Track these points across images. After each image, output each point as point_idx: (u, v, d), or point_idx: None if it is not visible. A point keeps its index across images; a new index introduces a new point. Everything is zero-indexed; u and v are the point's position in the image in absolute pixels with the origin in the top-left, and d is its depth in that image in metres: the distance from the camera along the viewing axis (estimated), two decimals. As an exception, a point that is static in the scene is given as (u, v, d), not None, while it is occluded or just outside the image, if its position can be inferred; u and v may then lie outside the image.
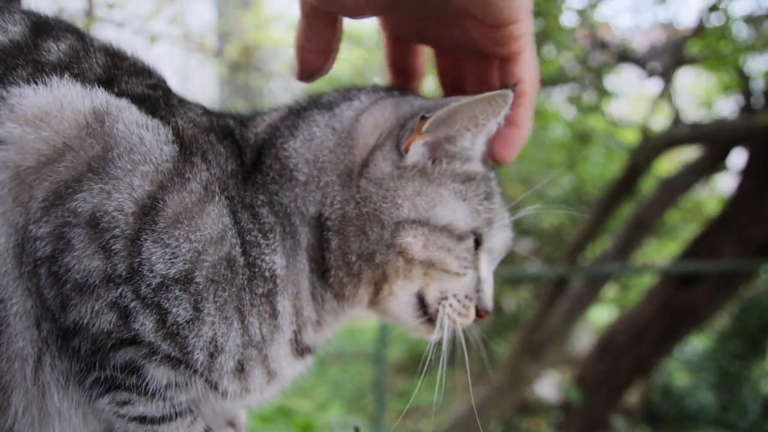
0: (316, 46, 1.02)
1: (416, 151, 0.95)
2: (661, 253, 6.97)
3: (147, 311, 0.82)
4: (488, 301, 1.03)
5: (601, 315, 7.23)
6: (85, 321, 0.81)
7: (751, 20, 4.05)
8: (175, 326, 0.83)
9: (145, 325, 0.82)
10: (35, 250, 0.79)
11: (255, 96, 7.04)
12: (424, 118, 0.92)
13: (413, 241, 0.94)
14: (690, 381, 6.01)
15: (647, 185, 5.24)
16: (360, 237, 0.94)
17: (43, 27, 0.90)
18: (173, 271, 0.82)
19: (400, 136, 0.96)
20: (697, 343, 6.25)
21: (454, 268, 0.97)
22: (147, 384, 0.87)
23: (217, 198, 0.88)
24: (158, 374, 0.86)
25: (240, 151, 0.97)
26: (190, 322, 0.84)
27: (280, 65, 6.78)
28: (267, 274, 0.91)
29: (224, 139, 0.96)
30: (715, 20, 4.06)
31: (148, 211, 0.81)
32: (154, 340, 0.83)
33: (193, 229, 0.84)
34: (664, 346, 5.00)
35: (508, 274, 6.40)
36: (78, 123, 0.81)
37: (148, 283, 0.81)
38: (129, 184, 0.80)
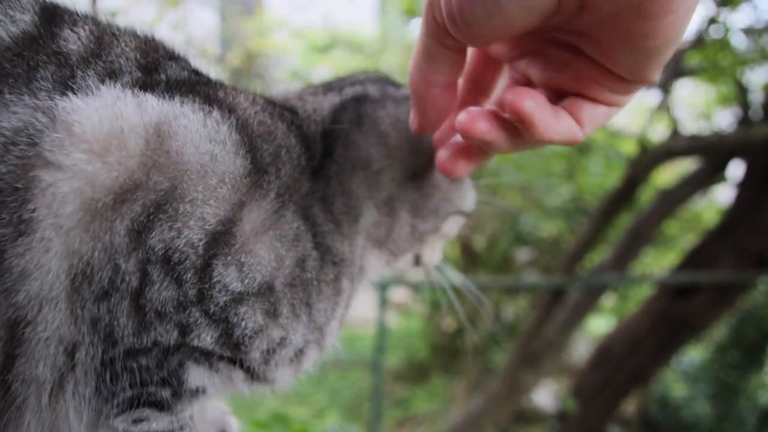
0: (445, 80, 0.83)
1: None
2: (659, 263, 6.99)
3: (212, 327, 0.82)
4: None
5: (599, 324, 7.23)
6: (161, 340, 0.81)
7: (751, 32, 4.08)
8: (241, 337, 0.84)
9: (206, 339, 0.82)
10: (122, 283, 0.77)
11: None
12: None
13: (452, 225, 1.12)
14: (687, 392, 6.01)
15: (645, 196, 5.26)
16: (419, 222, 1.07)
17: (54, 12, 0.80)
18: (251, 286, 0.82)
19: None
20: (694, 354, 6.26)
21: (452, 236, 1.16)
22: (179, 392, 0.87)
23: (292, 200, 0.87)
24: (196, 377, 0.87)
25: (307, 141, 0.95)
26: (259, 332, 0.85)
27: (282, 72, 6.81)
28: (337, 259, 0.93)
29: (291, 129, 0.93)
30: (714, 32, 4.09)
31: (220, 237, 0.79)
32: (213, 349, 0.83)
33: (272, 238, 0.83)
34: (662, 356, 5.00)
35: (506, 284, 6.42)
36: (140, 150, 0.76)
37: (216, 302, 0.80)
38: (200, 217, 0.78)
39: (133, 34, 0.87)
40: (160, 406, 0.88)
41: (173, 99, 0.81)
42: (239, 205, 0.81)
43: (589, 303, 4.62)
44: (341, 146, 0.97)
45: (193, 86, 0.85)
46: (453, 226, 1.13)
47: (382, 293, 4.20)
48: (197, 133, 0.79)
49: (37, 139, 0.73)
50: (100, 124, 0.75)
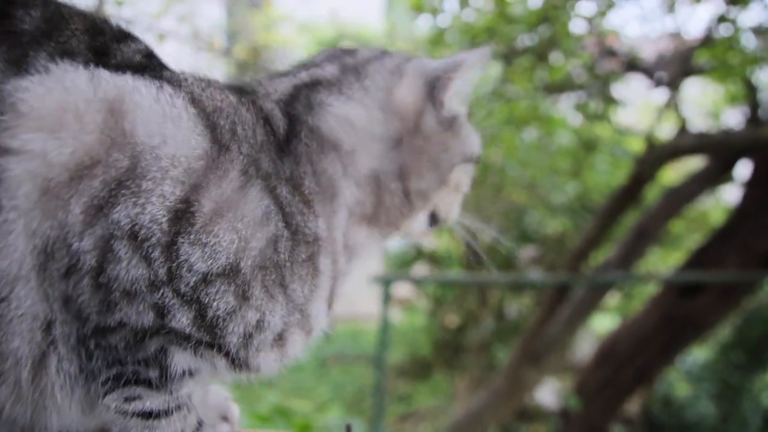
0: None
1: (449, 103, 1.05)
2: (664, 262, 6.96)
3: (185, 308, 0.82)
4: None
5: (603, 323, 7.21)
6: (130, 320, 0.81)
7: (760, 32, 4.04)
8: (214, 319, 0.84)
9: (182, 321, 0.83)
10: (78, 263, 0.78)
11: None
12: (449, 77, 1.03)
13: (459, 175, 1.08)
14: (691, 391, 5.98)
15: (652, 194, 5.24)
16: (419, 180, 1.04)
17: None
18: (215, 267, 0.82)
19: (434, 95, 1.04)
20: (698, 354, 6.23)
21: (466, 188, 1.12)
22: (166, 374, 0.87)
23: (254, 179, 0.87)
24: (181, 360, 0.87)
25: (265, 119, 0.96)
26: (232, 313, 0.85)
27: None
28: (310, 239, 0.93)
29: (245, 104, 0.94)
30: (723, 31, 4.06)
31: (182, 215, 0.80)
32: (190, 332, 0.84)
33: (236, 218, 0.84)
34: (666, 355, 4.99)
35: (511, 281, 6.41)
36: (98, 126, 0.77)
37: (186, 282, 0.81)
38: (161, 194, 0.79)
39: (81, 14, 0.87)
40: (150, 384, 0.87)
41: (125, 74, 0.81)
42: (196, 185, 0.81)
43: (593, 301, 4.61)
44: (306, 128, 0.98)
45: (146, 69, 0.86)
46: (462, 176, 1.09)
47: (386, 289, 4.19)
48: (152, 110, 0.80)
49: None
50: (50, 99, 0.75)
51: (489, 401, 4.63)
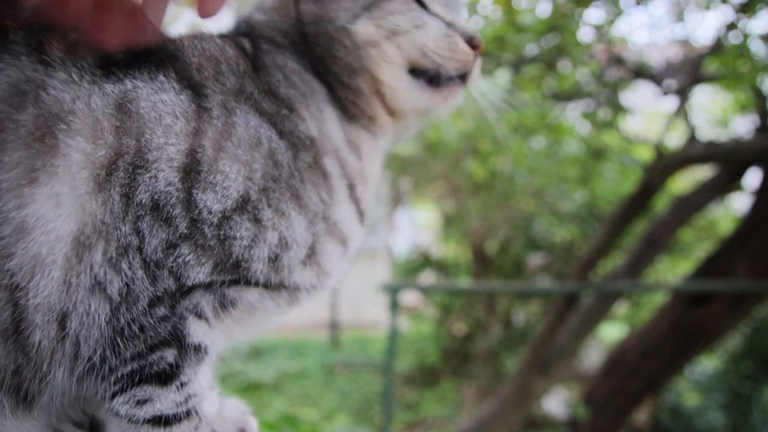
0: None
1: None
2: (673, 271, 6.93)
3: (205, 257, 0.87)
4: (468, 30, 1.08)
5: (612, 332, 7.19)
6: (165, 286, 0.86)
7: (769, 39, 4.03)
8: (241, 253, 0.89)
9: (199, 275, 0.87)
10: (129, 243, 0.85)
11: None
12: None
13: (366, 29, 1.03)
14: (700, 401, 5.95)
15: (661, 203, 5.22)
16: (338, 61, 1.04)
17: None
18: (230, 203, 0.88)
19: None
20: (707, 364, 6.20)
21: (406, 25, 1.04)
22: (182, 350, 0.89)
23: (240, 104, 0.93)
24: (197, 330, 0.90)
25: (242, 48, 1.02)
26: (254, 239, 0.89)
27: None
28: (307, 142, 0.97)
29: (227, 43, 1.01)
30: (732, 38, 4.04)
31: (190, 168, 0.87)
32: (212, 280, 0.89)
33: (234, 146, 0.90)
34: (675, 365, 4.95)
35: (519, 289, 6.39)
36: (112, 126, 0.85)
37: (210, 223, 0.87)
38: (168, 157, 0.86)
39: None
40: (162, 378, 0.88)
41: (124, 79, 0.89)
42: (194, 134, 0.88)
43: (602, 310, 4.59)
44: (261, 40, 1.04)
45: (147, 52, 0.93)
46: (384, 23, 1.05)
47: (394, 297, 4.18)
48: (146, 91, 0.88)
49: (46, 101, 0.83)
50: (90, 109, 0.85)
51: (497, 410, 4.61)
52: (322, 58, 1.04)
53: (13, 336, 0.83)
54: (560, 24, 3.83)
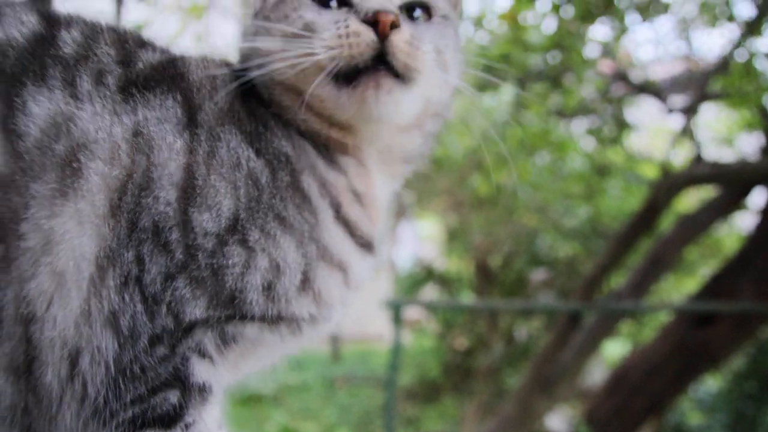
0: None
1: None
2: (678, 289, 6.89)
3: (200, 291, 0.87)
4: (370, 5, 0.95)
5: (614, 348, 7.14)
6: (163, 323, 0.87)
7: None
8: (233, 282, 0.89)
9: (195, 311, 0.87)
10: (130, 272, 0.86)
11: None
12: None
13: (263, 41, 1.02)
14: (703, 421, 5.89)
15: (666, 220, 5.19)
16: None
17: (52, 16, 0.96)
18: (222, 221, 0.89)
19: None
20: (711, 383, 6.14)
21: (291, 27, 0.99)
22: (185, 392, 0.88)
23: (223, 127, 0.95)
24: (201, 369, 0.90)
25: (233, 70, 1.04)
26: (245, 266, 0.89)
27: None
28: (282, 158, 0.96)
29: (224, 65, 1.04)
30: (738, 57, 4.04)
31: (186, 185, 0.89)
32: (208, 315, 0.89)
33: (219, 164, 0.91)
34: (678, 385, 4.91)
35: (522, 307, 6.36)
36: (128, 148, 0.89)
37: (204, 250, 0.88)
38: (168, 173, 0.89)
39: (112, 29, 1.00)
40: (166, 421, 0.88)
41: (137, 107, 0.92)
42: (190, 149, 0.91)
43: (605, 329, 4.56)
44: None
45: (163, 70, 0.97)
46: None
47: (397, 313, 4.16)
48: (155, 119, 0.92)
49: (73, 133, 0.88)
50: (109, 135, 0.89)
51: (499, 428, 4.57)
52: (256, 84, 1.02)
53: (25, 375, 0.83)
54: (566, 43, 3.83)
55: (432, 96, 1.01)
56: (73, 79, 0.91)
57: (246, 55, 1.03)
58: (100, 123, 0.89)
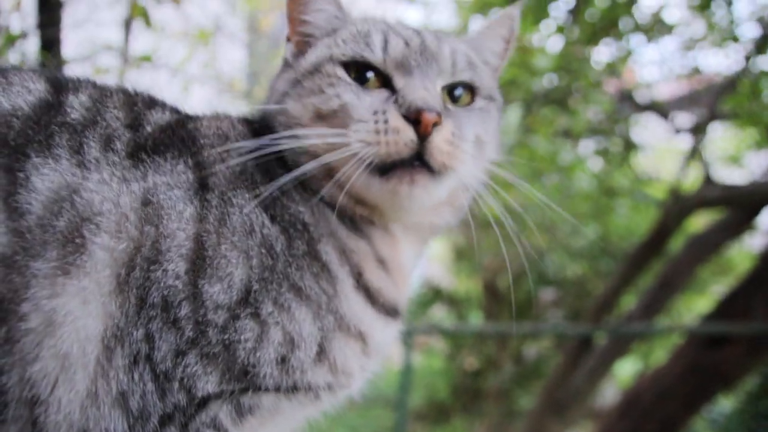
0: None
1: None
2: (689, 307, 6.84)
3: (212, 366, 0.84)
4: (416, 99, 0.91)
5: (625, 368, 7.08)
6: (175, 400, 0.84)
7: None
8: (246, 357, 0.86)
9: (207, 386, 0.84)
10: (140, 350, 0.83)
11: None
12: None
13: (293, 107, 1.03)
14: (717, 441, 5.83)
15: (676, 240, 5.17)
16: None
17: (60, 81, 0.95)
18: (234, 293, 0.86)
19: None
20: (725, 403, 6.08)
21: (324, 106, 0.98)
22: None
23: (235, 192, 0.92)
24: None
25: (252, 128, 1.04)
26: (258, 340, 0.86)
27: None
28: (299, 226, 0.93)
29: (240, 122, 1.04)
30: (745, 77, 4.04)
31: (196, 255, 0.86)
32: (221, 390, 0.86)
33: (231, 233, 0.88)
34: (691, 407, 4.85)
35: (532, 330, 6.32)
36: (136, 218, 0.86)
37: (215, 325, 0.84)
38: (177, 244, 0.85)
39: (122, 91, 0.99)
40: None
41: (147, 173, 0.91)
42: (200, 217, 0.88)
43: (616, 352, 4.53)
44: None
45: (172, 132, 0.95)
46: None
47: (408, 337, 4.14)
48: (164, 186, 0.89)
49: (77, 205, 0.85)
50: (116, 206, 0.87)
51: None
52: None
53: None
54: (575, 68, 3.83)
55: (465, 178, 0.99)
56: (80, 145, 0.89)
57: (272, 116, 1.01)
58: (107, 193, 0.87)
